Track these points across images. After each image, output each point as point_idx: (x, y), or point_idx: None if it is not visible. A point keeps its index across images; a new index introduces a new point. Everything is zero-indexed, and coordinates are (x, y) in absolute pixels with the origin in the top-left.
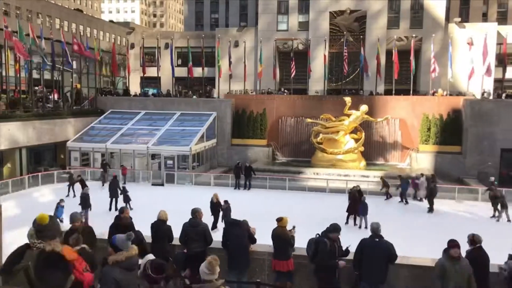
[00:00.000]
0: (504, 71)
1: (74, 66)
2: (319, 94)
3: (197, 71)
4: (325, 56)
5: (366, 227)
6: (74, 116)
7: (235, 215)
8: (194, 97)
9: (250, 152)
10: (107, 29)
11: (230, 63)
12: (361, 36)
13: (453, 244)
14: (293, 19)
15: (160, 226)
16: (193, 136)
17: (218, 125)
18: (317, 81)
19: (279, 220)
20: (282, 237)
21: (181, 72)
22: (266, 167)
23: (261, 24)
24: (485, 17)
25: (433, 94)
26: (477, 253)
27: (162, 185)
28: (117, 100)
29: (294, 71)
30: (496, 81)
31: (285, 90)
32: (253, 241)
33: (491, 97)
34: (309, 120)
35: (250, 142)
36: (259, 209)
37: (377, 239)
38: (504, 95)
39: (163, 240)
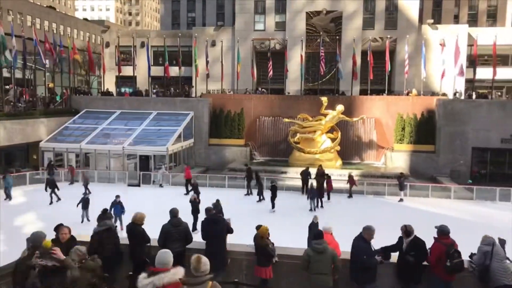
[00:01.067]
0: (474, 72)
1: (47, 65)
2: (296, 94)
3: (174, 71)
4: (301, 56)
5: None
6: (47, 116)
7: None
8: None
9: (227, 152)
10: (81, 27)
11: (207, 62)
12: (337, 37)
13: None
14: (270, 19)
15: (135, 229)
16: (170, 136)
17: (196, 125)
18: (294, 81)
19: (257, 228)
20: (259, 246)
21: (158, 71)
22: (243, 167)
23: (238, 23)
24: (456, 19)
25: (407, 94)
26: (415, 242)
27: (139, 185)
28: (92, 100)
29: (272, 71)
30: (468, 81)
31: (263, 90)
32: (231, 231)
33: (462, 97)
34: (286, 119)
35: (228, 142)
36: (237, 209)
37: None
38: (474, 94)
39: (140, 243)
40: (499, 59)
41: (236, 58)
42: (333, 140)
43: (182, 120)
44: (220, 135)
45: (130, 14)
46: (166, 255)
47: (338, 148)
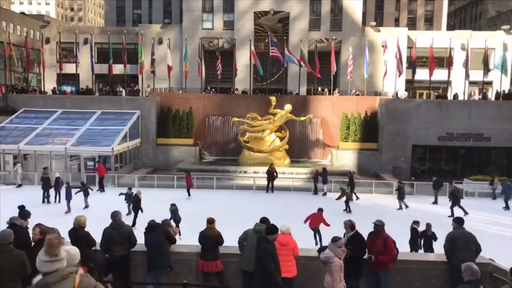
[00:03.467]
0: (414, 73)
1: None
2: (245, 93)
3: (119, 68)
4: (250, 55)
5: None
6: None
7: (164, 216)
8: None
9: (176, 151)
10: (18, 21)
11: (153, 60)
12: (285, 37)
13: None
14: (218, 18)
15: (78, 233)
16: (115, 136)
17: (142, 124)
18: (242, 80)
19: (211, 222)
20: (211, 237)
21: (102, 69)
22: (193, 167)
23: (185, 21)
24: (397, 22)
25: (357, 94)
26: (357, 236)
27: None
28: (31, 98)
29: (220, 70)
30: (407, 82)
31: (212, 89)
32: (172, 241)
33: (404, 97)
34: (236, 119)
35: (176, 141)
36: (187, 209)
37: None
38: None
39: (83, 247)
40: (436, 61)
41: (183, 56)
42: (281, 139)
43: (128, 119)
44: (168, 135)
45: (72, 9)
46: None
47: (287, 146)
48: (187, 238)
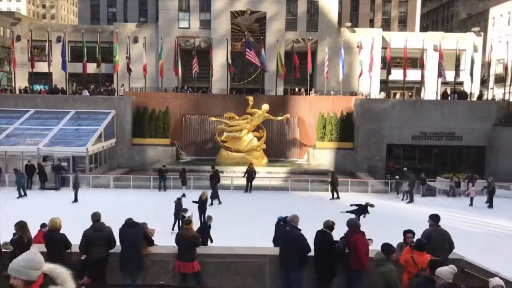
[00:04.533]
0: (388, 73)
1: None
2: (222, 93)
3: (93, 67)
4: (227, 55)
5: None
6: None
7: (141, 217)
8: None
9: (152, 151)
10: None
11: (129, 59)
12: (262, 37)
13: None
14: (194, 17)
15: (54, 235)
16: (90, 136)
17: (118, 124)
18: (220, 80)
19: (188, 223)
20: (188, 238)
21: (75, 68)
22: (169, 167)
23: (161, 20)
24: (372, 23)
25: (337, 94)
26: (318, 234)
27: (56, 189)
28: (1, 98)
29: (197, 70)
30: (382, 82)
31: (189, 88)
32: (151, 242)
33: (380, 96)
34: (213, 118)
35: (153, 141)
36: (164, 210)
37: (288, 228)
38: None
39: (59, 250)
40: (409, 62)
41: (159, 55)
42: (259, 138)
43: (103, 119)
44: (144, 135)
45: (44, 6)
46: None
47: (264, 146)
48: (165, 239)
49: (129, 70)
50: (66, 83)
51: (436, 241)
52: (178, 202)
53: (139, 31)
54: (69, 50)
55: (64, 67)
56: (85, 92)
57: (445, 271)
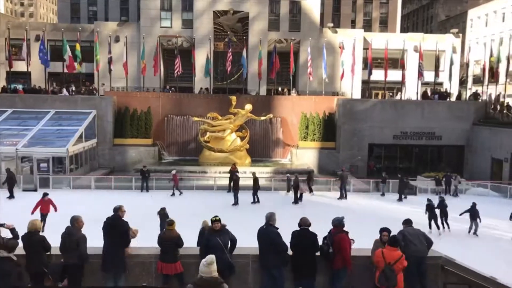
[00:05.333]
0: (370, 74)
1: None
2: (205, 93)
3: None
4: (210, 54)
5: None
6: None
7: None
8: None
9: (134, 152)
10: None
11: (110, 58)
12: (244, 37)
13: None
14: (176, 16)
15: (32, 237)
16: (70, 136)
17: (99, 124)
18: (202, 80)
19: (170, 224)
20: (170, 239)
21: (55, 67)
22: (152, 168)
23: (143, 20)
24: (353, 24)
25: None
26: (300, 233)
27: (35, 190)
28: None
29: (179, 69)
30: (364, 82)
31: (172, 88)
32: (127, 243)
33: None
34: (196, 118)
35: (134, 141)
36: (147, 210)
37: (265, 226)
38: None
39: (38, 252)
40: (390, 62)
41: (141, 55)
42: (242, 138)
43: (84, 119)
44: (126, 135)
45: (22, 4)
46: None
47: (247, 146)
48: (147, 240)
49: (110, 69)
50: (46, 83)
51: (411, 236)
52: (163, 213)
53: (120, 30)
54: (49, 48)
55: (47, 65)
56: (64, 91)
57: None
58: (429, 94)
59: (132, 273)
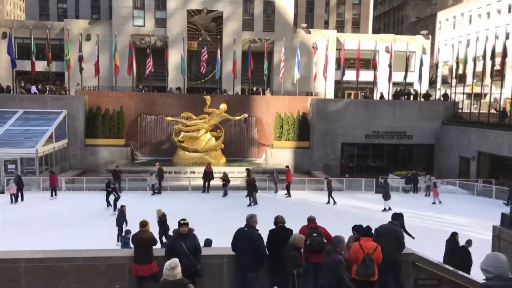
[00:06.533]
0: (343, 74)
1: None
2: (179, 92)
3: (43, 65)
4: (184, 53)
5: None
6: None
7: (93, 220)
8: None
9: (106, 152)
10: None
11: (81, 57)
12: (218, 36)
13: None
14: (149, 15)
15: None
16: (40, 137)
17: (70, 124)
18: (176, 79)
19: (144, 225)
20: (144, 240)
21: (23, 65)
22: (124, 168)
23: (115, 18)
24: (326, 25)
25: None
26: (278, 231)
27: (2, 192)
28: None
29: (152, 68)
30: (336, 82)
31: (144, 87)
32: None
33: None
34: (169, 118)
35: (106, 141)
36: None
37: (246, 228)
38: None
39: None
40: (362, 63)
41: (113, 53)
42: (217, 138)
43: (54, 119)
44: (98, 135)
45: None
46: None
47: (222, 146)
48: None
49: (81, 68)
50: (13, 82)
51: (384, 234)
52: (122, 210)
53: (91, 28)
54: (16, 46)
55: (13, 64)
56: (33, 89)
57: None
58: (401, 95)
59: (104, 275)
